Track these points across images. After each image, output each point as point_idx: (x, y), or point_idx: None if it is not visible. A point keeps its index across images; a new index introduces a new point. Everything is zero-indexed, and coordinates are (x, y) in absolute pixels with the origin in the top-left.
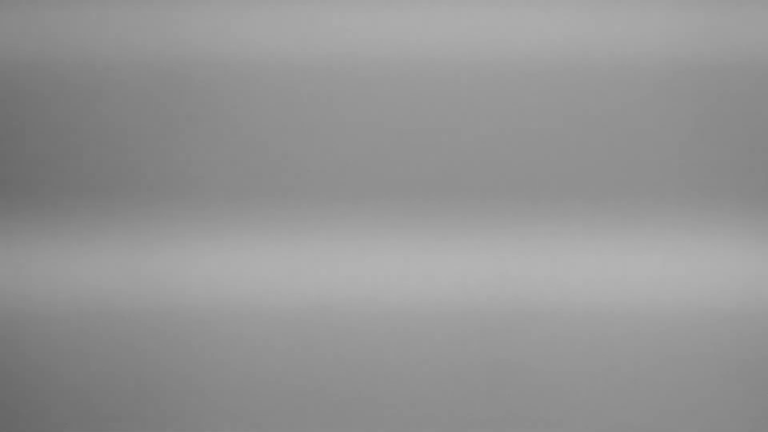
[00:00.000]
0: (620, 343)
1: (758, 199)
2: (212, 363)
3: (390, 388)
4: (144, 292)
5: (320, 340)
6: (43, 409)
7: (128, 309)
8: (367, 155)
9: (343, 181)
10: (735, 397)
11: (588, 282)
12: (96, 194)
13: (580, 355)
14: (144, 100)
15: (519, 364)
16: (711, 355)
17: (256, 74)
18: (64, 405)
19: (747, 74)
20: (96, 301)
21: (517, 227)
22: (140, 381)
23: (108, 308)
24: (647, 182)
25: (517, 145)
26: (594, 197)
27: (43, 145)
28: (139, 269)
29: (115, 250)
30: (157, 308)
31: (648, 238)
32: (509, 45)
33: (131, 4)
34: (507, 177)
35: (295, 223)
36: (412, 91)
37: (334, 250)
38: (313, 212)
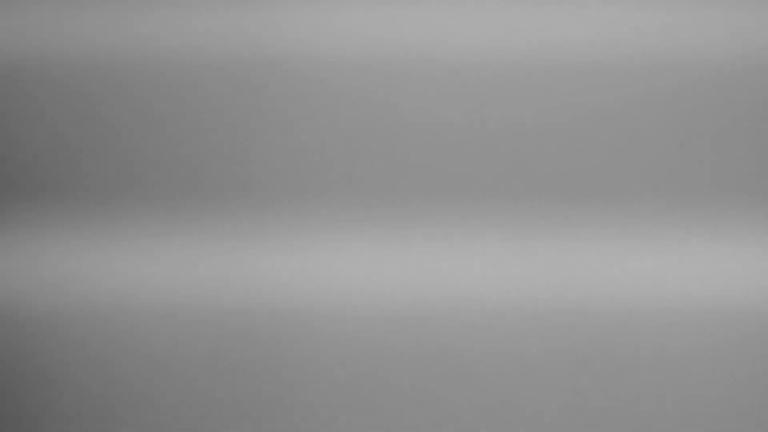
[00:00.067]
0: (627, 344)
1: (761, 198)
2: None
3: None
4: (217, 293)
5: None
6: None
7: (131, 308)
8: (368, 155)
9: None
10: (741, 398)
11: (599, 281)
12: (116, 193)
13: (586, 355)
14: (153, 98)
15: (533, 365)
16: (715, 354)
17: (257, 74)
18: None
19: (750, 73)
20: (99, 301)
21: (527, 226)
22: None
23: (109, 307)
24: (656, 182)
25: (528, 144)
26: (608, 196)
27: (44, 145)
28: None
29: (122, 249)
30: (159, 310)
31: (660, 237)
32: (520, 44)
33: (133, 4)
34: (521, 176)
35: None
36: (412, 92)
37: (339, 249)
38: (324, 211)
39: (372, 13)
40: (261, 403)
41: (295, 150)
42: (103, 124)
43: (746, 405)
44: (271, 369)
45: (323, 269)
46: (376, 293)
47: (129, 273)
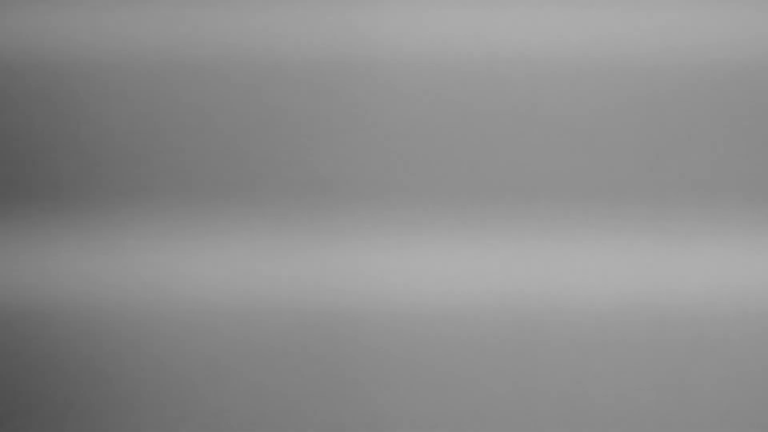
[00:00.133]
0: (628, 345)
1: (761, 198)
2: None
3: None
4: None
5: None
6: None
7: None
8: (369, 155)
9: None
10: (741, 398)
11: (599, 281)
12: (118, 192)
13: (588, 356)
14: (154, 98)
15: (531, 367)
16: (715, 354)
17: (258, 73)
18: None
19: (750, 73)
20: (96, 300)
21: (525, 228)
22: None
23: (108, 307)
24: (656, 182)
25: (528, 144)
26: (608, 196)
27: (47, 145)
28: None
29: (119, 249)
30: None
31: (659, 237)
32: (520, 44)
33: (135, 3)
34: (522, 177)
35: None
36: (413, 92)
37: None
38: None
39: (372, 13)
40: (335, 405)
41: (357, 150)
42: (121, 123)
43: (746, 405)
44: (333, 368)
45: (376, 268)
46: (447, 293)
47: (200, 274)
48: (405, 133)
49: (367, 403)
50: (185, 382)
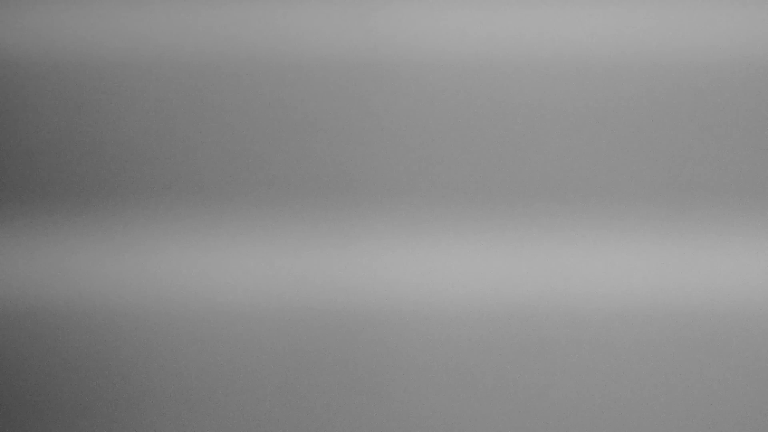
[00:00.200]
0: (629, 345)
1: (761, 198)
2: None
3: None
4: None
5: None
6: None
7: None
8: (380, 155)
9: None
10: (741, 398)
11: (599, 281)
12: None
13: (596, 355)
14: (165, 97)
15: (529, 366)
16: (715, 354)
17: (271, 73)
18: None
19: (750, 73)
20: (95, 299)
21: (525, 227)
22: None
23: (108, 307)
24: (656, 181)
25: (548, 145)
26: (608, 196)
27: (43, 145)
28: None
29: (117, 249)
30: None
31: (659, 237)
32: (520, 44)
33: (134, 4)
34: (534, 178)
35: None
36: (426, 92)
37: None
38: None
39: (373, 13)
40: (351, 404)
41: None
42: (123, 123)
43: (746, 405)
44: (346, 368)
45: (385, 267)
46: (464, 293)
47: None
48: (417, 133)
49: (378, 401)
50: (196, 381)
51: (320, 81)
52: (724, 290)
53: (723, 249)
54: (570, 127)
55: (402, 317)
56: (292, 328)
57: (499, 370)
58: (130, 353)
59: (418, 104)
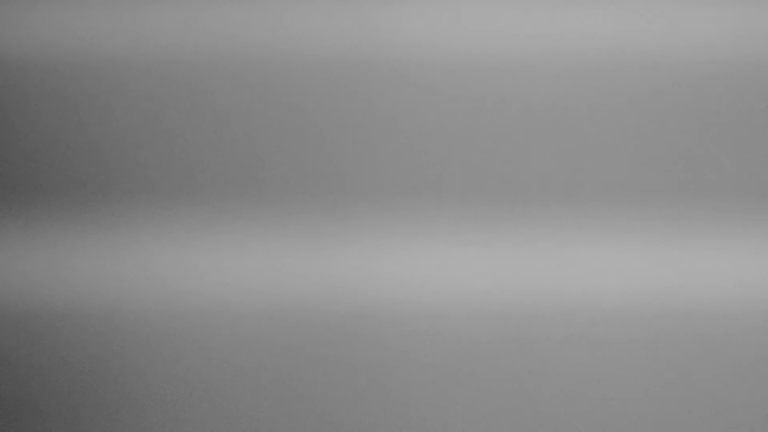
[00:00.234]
0: (629, 345)
1: (761, 198)
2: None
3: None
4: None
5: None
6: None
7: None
8: (379, 155)
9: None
10: (741, 397)
11: (599, 281)
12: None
13: (597, 356)
14: (165, 97)
15: (530, 367)
16: (715, 354)
17: (270, 73)
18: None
19: (750, 73)
20: (93, 299)
21: (524, 228)
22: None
23: (107, 307)
24: (656, 181)
25: (548, 146)
26: (608, 196)
27: (43, 145)
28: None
29: (116, 249)
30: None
31: (659, 237)
32: (519, 44)
33: (134, 4)
34: (535, 179)
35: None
36: (425, 92)
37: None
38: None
39: (373, 12)
40: (349, 404)
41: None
42: (123, 122)
43: (746, 405)
44: (344, 369)
45: (387, 269)
46: (462, 292)
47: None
48: (417, 132)
49: (377, 401)
50: (195, 381)
51: (320, 80)
52: (724, 290)
53: (723, 249)
54: (570, 127)
55: (401, 317)
56: (291, 328)
57: (498, 369)
58: (130, 353)
59: (417, 104)
